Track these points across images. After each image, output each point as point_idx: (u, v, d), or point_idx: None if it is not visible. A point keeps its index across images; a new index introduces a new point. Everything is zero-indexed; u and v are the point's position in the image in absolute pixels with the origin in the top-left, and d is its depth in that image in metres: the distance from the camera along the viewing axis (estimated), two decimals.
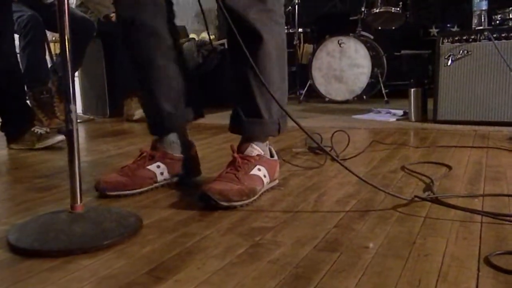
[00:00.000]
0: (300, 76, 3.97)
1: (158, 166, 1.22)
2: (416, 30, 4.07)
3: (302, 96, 3.73)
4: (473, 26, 2.29)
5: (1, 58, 1.87)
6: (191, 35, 4.22)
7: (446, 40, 2.26)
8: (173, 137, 1.26)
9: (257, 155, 1.16)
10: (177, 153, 1.26)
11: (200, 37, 4.20)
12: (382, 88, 3.55)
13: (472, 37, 2.21)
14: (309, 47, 4.28)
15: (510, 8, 2.57)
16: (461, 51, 2.22)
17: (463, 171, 1.35)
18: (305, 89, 3.73)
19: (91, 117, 3.18)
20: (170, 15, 1.23)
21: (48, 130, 2.00)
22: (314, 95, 3.74)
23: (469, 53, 2.21)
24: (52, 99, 2.65)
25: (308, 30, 4.30)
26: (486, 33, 2.18)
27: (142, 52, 1.20)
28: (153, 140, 1.27)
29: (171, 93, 1.23)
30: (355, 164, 1.50)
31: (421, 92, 2.48)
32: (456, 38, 2.24)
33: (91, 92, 3.29)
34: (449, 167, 1.38)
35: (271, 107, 1.16)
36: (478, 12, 2.28)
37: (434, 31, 3.89)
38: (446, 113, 2.34)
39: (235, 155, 1.14)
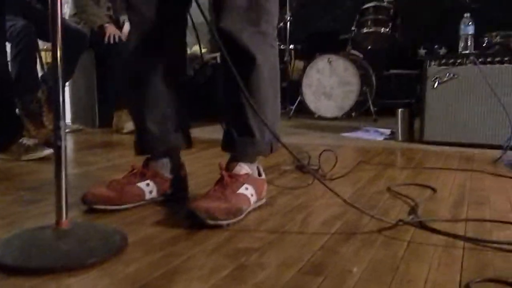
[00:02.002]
0: (290, 92, 4.01)
1: (148, 185, 1.22)
2: (405, 50, 4.15)
3: (292, 112, 3.76)
4: (459, 50, 2.34)
5: None
6: None
7: (433, 63, 2.31)
8: (165, 159, 1.26)
9: (245, 173, 1.16)
10: (167, 173, 1.26)
11: (192, 50, 4.22)
12: (371, 106, 3.60)
13: (459, 60, 2.27)
14: (299, 64, 4.33)
15: (496, 33, 2.65)
16: (447, 74, 2.27)
17: (447, 194, 1.37)
18: (295, 105, 3.77)
19: (80, 127, 3.16)
20: (182, 33, 1.25)
21: (36, 142, 1.99)
22: (304, 111, 3.77)
23: (455, 76, 2.26)
24: (41, 109, 2.64)
25: (299, 46, 4.36)
26: (471, 57, 2.23)
27: (138, 72, 1.21)
28: (146, 158, 1.27)
29: (159, 114, 1.24)
30: (342, 184, 1.52)
31: (408, 113, 2.52)
32: (443, 61, 2.29)
33: (81, 102, 3.28)
34: (434, 190, 1.40)
35: (264, 127, 1.18)
36: (465, 36, 2.34)
37: (422, 52, 3.97)
38: (432, 134, 2.38)
39: (223, 173, 1.14)
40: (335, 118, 3.61)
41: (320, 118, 3.66)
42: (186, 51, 1.38)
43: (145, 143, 1.27)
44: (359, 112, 3.70)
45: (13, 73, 2.44)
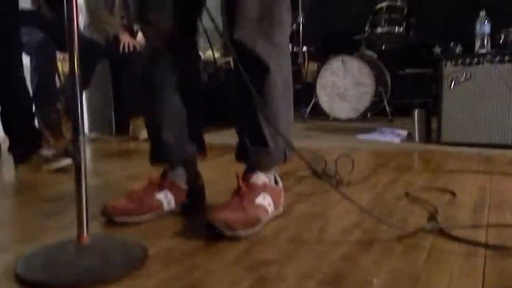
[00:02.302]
0: (304, 94, 4.00)
1: (166, 196, 1.24)
2: (420, 49, 4.10)
3: (306, 114, 3.75)
4: (476, 49, 2.31)
5: (10, 81, 1.90)
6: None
7: (449, 63, 2.28)
8: (181, 167, 1.27)
9: (262, 183, 1.17)
10: (184, 183, 1.27)
11: (206, 55, 4.25)
12: (386, 107, 3.57)
13: (475, 60, 2.23)
14: (313, 66, 4.32)
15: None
16: (464, 74, 2.24)
17: (467, 198, 1.35)
18: (310, 107, 3.76)
19: (97, 135, 3.21)
20: (194, 42, 1.26)
21: (55, 152, 2.03)
22: (318, 113, 3.76)
23: (472, 76, 2.23)
24: (60, 119, 2.69)
25: (312, 48, 4.35)
26: (488, 56, 2.19)
27: (154, 85, 1.23)
28: (163, 168, 1.29)
29: (175, 124, 1.25)
30: (359, 189, 1.51)
31: (425, 113, 2.49)
32: (459, 61, 2.26)
33: (98, 110, 3.33)
34: (453, 194, 1.38)
35: (277, 136, 1.18)
36: (481, 35, 2.30)
37: (437, 50, 3.92)
38: (450, 135, 2.35)
39: (240, 183, 1.15)
40: (350, 120, 3.59)
41: (335, 120, 3.64)
42: (199, 60, 1.39)
43: (162, 153, 1.28)
44: (375, 113, 3.67)
45: (32, 85, 2.49)
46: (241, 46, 1.10)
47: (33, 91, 2.44)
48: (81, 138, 0.91)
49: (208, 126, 1.37)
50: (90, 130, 3.36)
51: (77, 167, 0.91)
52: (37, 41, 2.52)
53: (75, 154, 0.90)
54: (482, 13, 2.36)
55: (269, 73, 1.13)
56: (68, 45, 0.90)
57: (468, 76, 2.22)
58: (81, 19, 3.03)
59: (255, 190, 1.14)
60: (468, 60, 2.23)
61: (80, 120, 0.91)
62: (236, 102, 1.23)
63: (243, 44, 1.10)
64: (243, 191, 1.13)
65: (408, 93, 3.89)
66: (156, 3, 1.17)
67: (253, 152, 1.18)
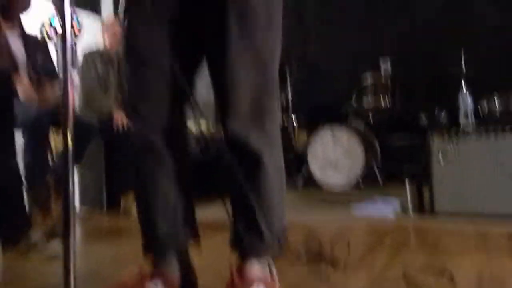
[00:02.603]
0: (296, 163, 4.03)
1: (156, 284, 1.19)
2: (406, 116, 4.21)
3: (299, 184, 3.76)
4: (460, 122, 2.38)
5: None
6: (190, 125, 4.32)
7: (437, 138, 2.34)
8: (173, 257, 1.24)
9: (256, 274, 1.14)
10: (177, 273, 1.24)
11: (197, 127, 4.30)
12: (377, 174, 3.60)
13: (461, 135, 2.29)
14: (303, 134, 4.40)
15: (495, 96, 2.70)
16: (451, 148, 2.29)
17: (465, 282, 1.32)
18: (302, 177, 3.78)
19: (88, 210, 3.16)
20: (184, 125, 1.28)
21: (43, 235, 1.98)
22: (311, 182, 3.77)
23: (460, 150, 2.28)
24: (49, 196, 2.66)
25: (301, 116, 4.44)
26: (474, 131, 2.26)
27: (145, 175, 1.23)
28: (154, 258, 1.25)
29: (168, 212, 1.24)
30: (356, 272, 1.47)
31: (416, 184, 2.51)
32: (446, 135, 2.32)
33: (89, 184, 3.30)
34: (451, 277, 1.35)
35: (272, 225, 1.17)
36: (464, 108, 2.38)
37: (423, 118, 4.03)
38: (443, 205, 2.36)
39: (234, 276, 1.12)
40: (342, 190, 3.60)
41: (328, 190, 3.65)
42: (189, 141, 1.39)
43: (155, 244, 1.25)
44: (367, 182, 3.69)
45: (24, 161, 2.48)
46: (234, 139, 1.12)
47: (24, 168, 2.43)
48: (71, 240, 0.90)
49: (199, 198, 1.35)
50: (81, 203, 3.32)
51: (65, 267, 0.88)
52: (31, 117, 2.51)
53: (64, 258, 0.87)
54: (463, 86, 2.46)
55: (262, 164, 1.14)
56: (62, 124, 0.91)
57: (456, 149, 2.27)
58: (76, 98, 3.10)
59: (249, 282, 1.11)
60: (454, 135, 2.29)
61: (72, 223, 0.90)
62: (230, 191, 1.22)
63: (236, 137, 1.12)
64: (236, 284, 1.10)
65: (397, 159, 3.94)
66: (146, 93, 1.20)
67: (247, 242, 1.16)
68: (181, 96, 1.22)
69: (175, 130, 1.25)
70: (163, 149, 1.21)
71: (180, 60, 1.17)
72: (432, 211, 2.39)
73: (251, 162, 1.13)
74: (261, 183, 1.14)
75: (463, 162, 2.30)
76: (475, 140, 2.26)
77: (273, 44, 1.18)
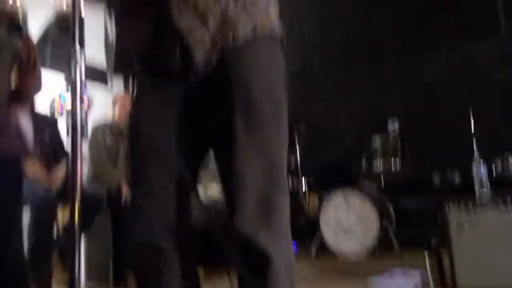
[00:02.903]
0: (308, 229, 3.90)
1: None
2: (417, 177, 4.11)
3: (312, 253, 3.61)
4: (476, 192, 2.31)
5: (5, 256, 1.83)
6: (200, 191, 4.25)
7: (453, 208, 2.26)
8: None
9: None
10: None
11: (206, 193, 4.22)
12: (394, 241, 3.47)
13: (478, 209, 2.21)
14: (314, 198, 4.31)
15: (509, 157, 2.63)
16: (469, 219, 2.20)
17: None
18: (315, 244, 3.65)
19: (94, 285, 3.05)
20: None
21: None
22: (324, 249, 3.63)
23: (478, 222, 2.19)
24: (51, 275, 2.58)
25: (311, 179, 4.36)
26: (491, 202, 2.18)
27: (146, 274, 1.17)
28: None
29: None
30: None
31: (436, 256, 2.40)
32: (463, 207, 2.24)
33: (96, 258, 3.21)
34: None
35: None
36: (479, 178, 2.32)
37: (436, 179, 3.94)
38: (466, 280, 2.24)
39: None
40: (358, 259, 3.45)
41: (343, 258, 3.50)
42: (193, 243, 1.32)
43: None
44: (383, 248, 3.55)
45: (29, 239, 2.42)
46: (243, 238, 1.07)
47: (29, 249, 2.37)
48: None
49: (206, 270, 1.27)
50: (87, 279, 3.21)
51: None
52: (39, 197, 2.50)
53: None
54: (476, 155, 2.41)
55: (271, 262, 1.09)
56: (70, 200, 0.87)
57: (474, 221, 2.18)
58: (84, 170, 3.10)
59: None
60: (471, 207, 2.21)
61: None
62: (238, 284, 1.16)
63: (245, 235, 1.07)
64: None
65: (413, 224, 3.82)
66: (150, 190, 1.16)
67: None
68: (186, 190, 1.19)
69: (181, 227, 1.20)
70: (170, 252, 1.15)
71: (186, 150, 1.14)
72: (454, 285, 2.26)
73: (259, 262, 1.08)
74: (270, 280, 1.08)
75: (482, 233, 2.20)
76: (493, 211, 2.18)
77: (280, 136, 1.15)
